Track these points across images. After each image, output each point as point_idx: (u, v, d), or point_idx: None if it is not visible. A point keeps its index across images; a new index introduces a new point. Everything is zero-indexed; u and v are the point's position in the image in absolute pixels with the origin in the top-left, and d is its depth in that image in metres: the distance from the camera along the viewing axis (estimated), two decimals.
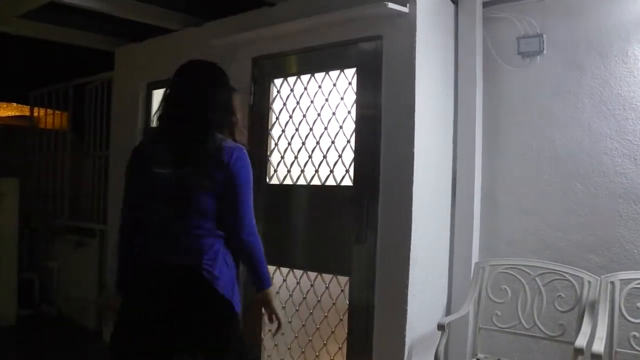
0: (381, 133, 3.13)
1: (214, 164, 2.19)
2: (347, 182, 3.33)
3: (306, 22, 3.36)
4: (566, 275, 2.97)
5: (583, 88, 3.07)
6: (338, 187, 3.37)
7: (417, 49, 3.01)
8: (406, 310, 2.98)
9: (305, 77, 3.58)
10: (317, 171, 3.48)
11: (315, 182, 3.48)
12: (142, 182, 2.29)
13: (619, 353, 2.76)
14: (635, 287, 2.79)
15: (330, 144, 3.42)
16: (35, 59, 6.42)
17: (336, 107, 3.40)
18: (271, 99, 3.72)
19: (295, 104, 3.61)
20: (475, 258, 3.31)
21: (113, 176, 5.02)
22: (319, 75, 3.50)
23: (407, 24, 3.04)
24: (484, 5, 3.33)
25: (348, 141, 3.33)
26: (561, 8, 3.16)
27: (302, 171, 3.55)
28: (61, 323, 5.58)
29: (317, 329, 3.45)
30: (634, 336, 2.74)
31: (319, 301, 3.45)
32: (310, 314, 3.49)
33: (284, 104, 3.67)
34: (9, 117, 8.10)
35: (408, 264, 2.98)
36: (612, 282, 2.82)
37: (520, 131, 3.28)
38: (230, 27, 3.90)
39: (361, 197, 3.21)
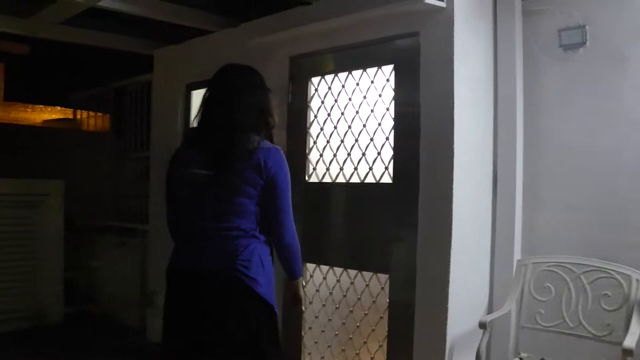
0: (420, 129, 3.10)
1: (249, 165, 2.21)
2: (387, 179, 3.31)
3: (342, 20, 3.36)
4: (613, 273, 2.89)
5: (628, 80, 2.98)
6: (377, 185, 3.35)
7: (455, 44, 2.98)
8: (447, 308, 2.95)
9: (342, 75, 3.58)
10: (356, 169, 3.47)
11: (354, 179, 3.47)
12: (180, 187, 2.35)
13: None
14: None
15: (369, 141, 3.41)
16: (77, 63, 6.58)
17: (374, 104, 3.39)
18: (309, 98, 3.73)
19: (333, 102, 3.61)
20: (517, 255, 3.26)
21: (154, 176, 5.11)
22: (357, 73, 3.49)
23: (445, 19, 3.01)
24: None
25: (387, 138, 3.32)
26: None
27: (341, 169, 3.55)
28: (105, 321, 5.71)
29: (358, 326, 3.45)
30: None
31: (359, 299, 3.44)
32: (351, 311, 3.48)
33: (322, 102, 3.67)
34: (53, 120, 8.32)
35: (449, 261, 2.95)
36: None
37: (563, 126, 3.21)
38: (266, 27, 3.92)
39: (401, 195, 3.20)
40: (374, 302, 3.38)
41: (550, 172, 3.25)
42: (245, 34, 4.08)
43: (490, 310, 3.28)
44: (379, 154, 3.36)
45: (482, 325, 2.92)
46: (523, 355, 3.09)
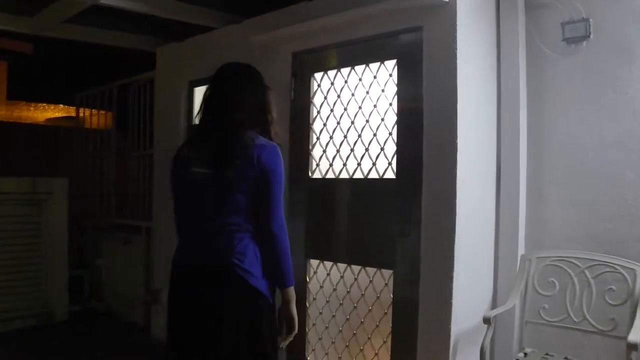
0: (423, 125, 3.09)
1: (245, 161, 2.26)
2: (390, 174, 3.31)
3: (345, 16, 3.35)
4: (617, 267, 2.88)
5: (633, 73, 2.97)
6: (381, 180, 3.35)
7: (458, 39, 2.96)
8: (451, 303, 2.94)
9: (345, 70, 3.57)
10: (359, 164, 3.47)
11: (358, 175, 3.47)
12: (181, 185, 2.42)
13: None
14: None
15: (372, 136, 3.40)
16: (80, 61, 6.59)
17: (377, 100, 3.38)
18: (312, 93, 3.72)
19: (336, 98, 3.60)
20: (521, 250, 3.25)
21: (157, 174, 5.11)
22: (359, 68, 3.49)
23: (448, 14, 3.00)
24: None
25: (390, 133, 3.31)
26: None
27: (345, 165, 3.55)
28: (110, 318, 5.73)
29: (362, 322, 3.45)
30: None
31: (362, 295, 3.44)
32: (354, 307, 3.48)
33: (325, 98, 3.67)
34: (56, 118, 8.35)
35: (453, 256, 2.94)
36: None
37: (567, 120, 3.20)
38: (269, 23, 3.92)
39: (404, 190, 3.19)
40: (377, 298, 3.38)
41: (554, 167, 3.24)
42: (248, 30, 4.07)
43: (494, 305, 3.27)
44: (382, 149, 3.35)
45: (486, 321, 2.92)
46: (527, 350, 3.08)
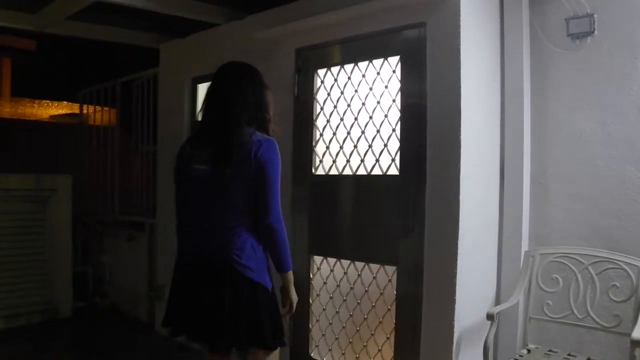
0: (427, 121, 3.09)
1: (243, 157, 2.35)
2: (394, 171, 3.30)
3: (349, 12, 3.34)
4: (621, 264, 2.88)
5: (637, 69, 2.96)
6: (384, 177, 3.34)
7: (461, 35, 2.95)
8: (455, 300, 2.94)
9: (348, 67, 3.56)
10: (362, 161, 3.46)
11: (361, 172, 3.46)
12: (183, 182, 2.53)
13: None
14: None
15: (376, 133, 3.39)
16: (83, 58, 6.60)
17: (380, 96, 3.38)
18: (315, 90, 3.72)
19: (340, 94, 3.59)
20: (524, 247, 3.25)
21: (161, 170, 5.12)
22: (363, 64, 3.48)
23: (451, 10, 2.99)
24: None
25: (393, 130, 3.30)
26: None
27: (348, 161, 3.54)
28: (114, 314, 5.74)
29: (365, 319, 3.45)
30: None
31: (366, 291, 3.44)
32: (358, 303, 3.48)
33: (328, 94, 3.66)
34: (60, 115, 8.35)
35: (456, 253, 2.94)
36: None
37: (571, 116, 3.19)
38: (273, 19, 3.92)
39: (408, 186, 3.19)
40: (381, 294, 3.38)
41: (558, 163, 3.23)
42: (251, 26, 4.07)
43: (497, 301, 3.27)
44: (385, 145, 3.35)
45: (490, 317, 2.91)
46: (531, 346, 3.08)
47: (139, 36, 5.15)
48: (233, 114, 2.41)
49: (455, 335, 2.95)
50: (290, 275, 2.50)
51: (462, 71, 2.95)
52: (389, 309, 3.33)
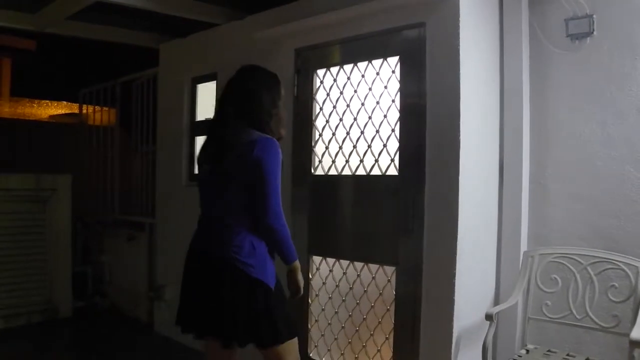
0: (426, 121, 3.09)
1: (243, 156, 2.39)
2: (393, 171, 3.30)
3: (348, 12, 3.35)
4: (620, 264, 2.88)
5: (637, 70, 2.96)
6: (383, 177, 3.34)
7: (461, 35, 2.96)
8: (454, 300, 2.94)
9: (348, 67, 3.56)
10: (362, 161, 3.46)
11: (360, 172, 3.46)
12: (198, 181, 2.68)
13: None
14: None
15: (375, 133, 3.39)
16: (83, 58, 6.60)
17: (380, 96, 3.38)
18: (315, 90, 3.72)
19: (339, 94, 3.60)
20: (524, 247, 3.25)
21: (160, 170, 5.12)
22: (362, 65, 3.48)
23: (450, 10, 2.99)
24: None
25: (393, 130, 3.30)
26: None
27: (347, 161, 3.54)
28: (114, 314, 5.74)
29: (364, 319, 3.45)
30: None
31: (365, 291, 3.44)
32: (357, 304, 3.48)
33: (328, 94, 3.66)
34: (59, 115, 8.35)
35: (455, 253, 2.94)
36: None
37: (570, 116, 3.19)
38: (272, 19, 3.92)
39: (407, 187, 3.19)
40: (380, 294, 3.38)
41: (558, 163, 3.23)
42: (251, 26, 4.07)
43: (496, 302, 3.27)
44: (384, 145, 3.35)
45: (489, 317, 2.91)
46: (530, 347, 3.08)
47: (139, 36, 5.15)
48: (236, 115, 2.49)
49: (454, 335, 2.95)
50: (296, 263, 2.53)
51: (461, 71, 2.96)
52: (388, 309, 3.33)
